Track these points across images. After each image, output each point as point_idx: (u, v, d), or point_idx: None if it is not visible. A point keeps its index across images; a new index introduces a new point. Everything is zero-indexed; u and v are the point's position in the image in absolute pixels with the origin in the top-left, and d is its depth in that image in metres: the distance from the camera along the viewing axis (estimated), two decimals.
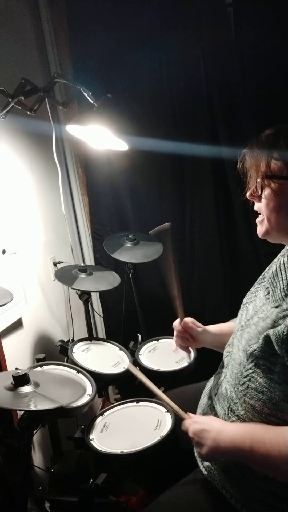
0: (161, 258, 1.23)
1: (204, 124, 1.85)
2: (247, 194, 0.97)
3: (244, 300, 1.08)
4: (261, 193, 0.92)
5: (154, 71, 1.82)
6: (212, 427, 0.93)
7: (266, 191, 0.91)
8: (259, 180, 0.92)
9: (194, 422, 0.97)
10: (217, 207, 1.93)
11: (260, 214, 0.97)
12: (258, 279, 1.07)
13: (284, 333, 0.81)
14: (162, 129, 1.88)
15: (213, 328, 1.25)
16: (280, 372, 0.85)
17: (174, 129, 1.89)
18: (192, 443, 1.02)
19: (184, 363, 1.49)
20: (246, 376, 0.91)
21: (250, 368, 0.90)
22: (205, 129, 1.85)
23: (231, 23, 1.78)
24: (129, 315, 2.00)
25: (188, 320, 1.25)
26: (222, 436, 0.90)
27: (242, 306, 1.07)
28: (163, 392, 1.31)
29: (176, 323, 1.26)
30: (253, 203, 0.99)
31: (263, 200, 0.93)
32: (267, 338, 0.86)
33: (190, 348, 1.32)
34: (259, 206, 0.96)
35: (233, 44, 1.77)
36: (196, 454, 1.04)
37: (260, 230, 0.97)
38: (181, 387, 1.34)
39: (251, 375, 0.90)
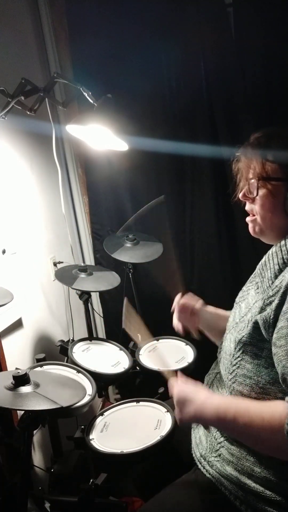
0: (160, 232, 1.25)
1: (204, 124, 1.85)
2: (240, 195, 1.00)
3: (237, 299, 1.10)
4: (257, 195, 0.95)
5: (154, 71, 1.83)
6: (197, 398, 0.93)
7: (261, 192, 0.94)
8: (253, 181, 0.95)
9: (180, 390, 0.97)
10: (217, 207, 1.93)
11: (250, 214, 1.00)
12: (250, 278, 1.09)
13: (271, 317, 0.85)
14: (162, 129, 1.88)
15: (211, 308, 1.27)
16: (267, 356, 0.88)
17: (174, 129, 1.89)
18: (190, 443, 1.03)
19: (184, 363, 1.49)
20: (235, 365, 0.94)
21: (239, 356, 0.93)
22: (205, 129, 1.85)
23: (231, 23, 1.78)
24: None
25: (188, 294, 1.27)
26: (209, 401, 0.91)
27: (235, 304, 1.09)
28: (163, 391, 1.31)
29: (177, 297, 1.28)
30: (244, 203, 1.01)
31: (257, 200, 0.95)
32: (255, 324, 0.89)
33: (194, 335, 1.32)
34: (251, 206, 0.99)
35: (233, 44, 1.77)
36: (194, 455, 1.04)
37: (253, 228, 1.00)
38: None
39: (239, 362, 0.93)
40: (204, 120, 1.85)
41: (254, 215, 0.98)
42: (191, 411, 0.92)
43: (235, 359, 0.94)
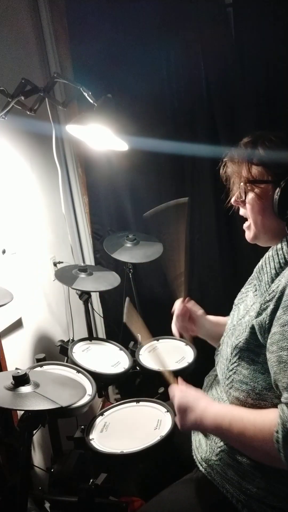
0: (173, 234, 1.24)
1: (204, 124, 1.85)
2: (232, 200, 1.01)
3: (236, 301, 1.10)
4: (245, 198, 0.96)
5: (154, 71, 1.83)
6: (197, 407, 0.94)
7: (250, 196, 0.95)
8: (242, 185, 0.96)
9: (182, 397, 0.97)
10: (217, 207, 1.93)
11: (247, 219, 1.01)
12: (249, 279, 1.09)
13: (266, 322, 0.85)
14: (162, 129, 1.88)
15: (211, 317, 1.28)
16: (263, 362, 0.88)
17: (174, 129, 1.89)
18: (191, 445, 1.02)
19: (184, 363, 1.49)
20: (231, 370, 0.94)
21: (235, 362, 0.93)
22: (205, 129, 1.85)
23: (231, 23, 1.78)
24: None
25: (190, 302, 1.28)
26: (206, 413, 0.92)
27: (234, 306, 1.10)
28: (163, 391, 1.31)
29: (179, 302, 1.28)
30: (238, 209, 1.02)
31: (247, 204, 0.96)
32: (252, 330, 0.89)
33: (188, 341, 1.33)
34: (244, 211, 1.00)
35: (233, 44, 1.77)
36: (194, 458, 1.04)
37: (248, 235, 1.01)
38: None
39: (236, 368, 0.93)
40: (204, 120, 1.85)
41: (249, 222, 0.99)
42: (192, 419, 0.93)
43: (231, 364, 0.94)
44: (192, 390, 1.00)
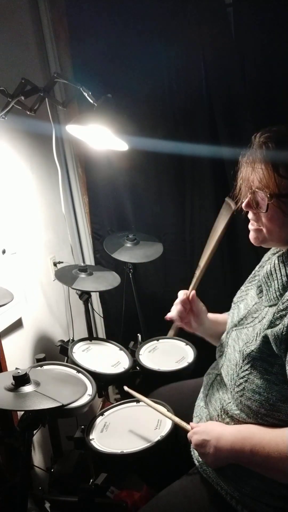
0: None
1: (204, 124, 1.85)
2: (244, 205, 0.94)
3: (235, 299, 1.09)
4: (266, 210, 0.88)
5: (154, 71, 1.82)
6: (210, 435, 0.93)
7: (271, 207, 0.88)
8: (261, 194, 0.88)
9: (194, 433, 0.98)
10: (217, 207, 1.92)
11: (251, 220, 0.95)
12: (249, 277, 1.08)
13: (283, 333, 0.82)
14: (162, 129, 1.88)
15: (210, 314, 1.25)
16: (278, 372, 0.86)
17: (174, 129, 1.89)
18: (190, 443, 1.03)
19: (184, 363, 1.49)
20: (242, 377, 0.91)
21: (247, 370, 0.90)
22: (205, 129, 1.85)
23: (231, 23, 1.78)
24: (129, 315, 2.00)
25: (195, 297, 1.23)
26: (222, 443, 0.90)
27: (233, 305, 1.08)
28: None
29: (183, 292, 1.22)
30: (246, 211, 0.96)
31: (264, 213, 0.89)
32: (265, 339, 0.86)
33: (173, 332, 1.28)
34: (257, 217, 0.93)
35: (233, 44, 1.77)
36: (192, 454, 1.04)
37: (257, 239, 0.95)
38: (179, 382, 1.34)
39: (248, 376, 0.90)
40: (204, 120, 1.84)
41: (259, 226, 0.93)
42: (211, 451, 0.91)
43: (242, 372, 0.91)
44: (204, 424, 1.00)
